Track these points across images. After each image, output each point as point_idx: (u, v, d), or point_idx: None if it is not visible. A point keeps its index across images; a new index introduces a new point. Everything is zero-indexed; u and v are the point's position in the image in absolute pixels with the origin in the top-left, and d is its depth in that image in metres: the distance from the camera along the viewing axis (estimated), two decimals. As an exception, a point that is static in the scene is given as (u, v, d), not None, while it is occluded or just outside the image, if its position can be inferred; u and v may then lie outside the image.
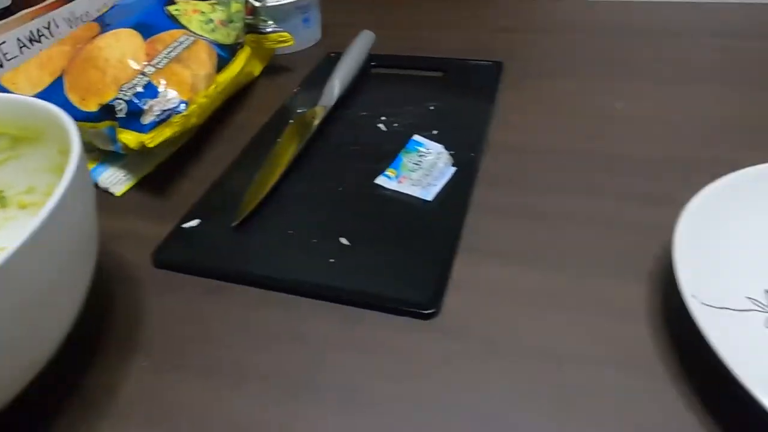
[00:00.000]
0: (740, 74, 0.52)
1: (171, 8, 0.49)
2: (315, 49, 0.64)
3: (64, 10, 0.54)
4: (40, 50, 0.51)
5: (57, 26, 0.53)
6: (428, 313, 0.31)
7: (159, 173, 0.45)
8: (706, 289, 0.28)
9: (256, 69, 0.57)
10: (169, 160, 0.47)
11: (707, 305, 0.27)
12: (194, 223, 0.39)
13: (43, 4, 0.53)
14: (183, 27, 0.48)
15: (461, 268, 0.34)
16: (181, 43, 0.46)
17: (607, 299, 0.32)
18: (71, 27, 0.54)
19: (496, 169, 0.42)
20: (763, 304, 0.29)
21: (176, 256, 0.37)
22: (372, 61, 0.58)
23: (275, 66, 0.61)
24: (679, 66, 0.54)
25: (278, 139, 0.46)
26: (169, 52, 0.44)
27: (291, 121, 0.49)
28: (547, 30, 0.64)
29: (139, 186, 0.44)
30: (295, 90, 0.55)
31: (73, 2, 0.55)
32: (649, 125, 0.46)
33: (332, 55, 0.60)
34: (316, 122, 0.47)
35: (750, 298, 0.29)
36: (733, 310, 0.28)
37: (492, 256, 0.35)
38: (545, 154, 0.44)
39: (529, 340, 0.30)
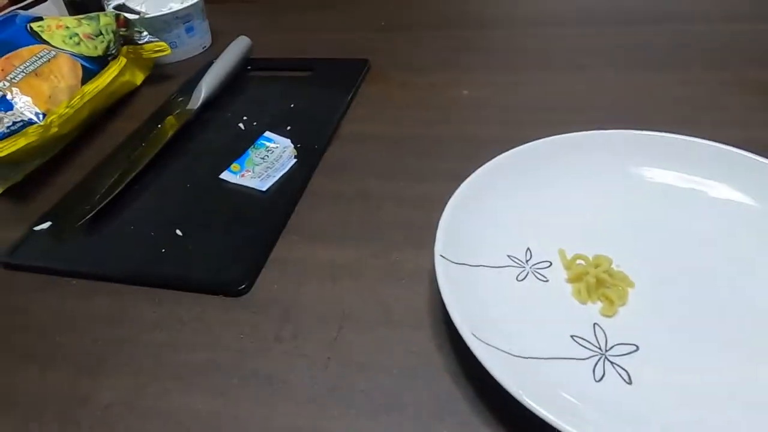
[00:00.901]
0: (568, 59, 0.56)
1: (34, 25, 0.51)
2: (203, 56, 0.67)
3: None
4: None
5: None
6: (239, 290, 0.34)
7: (26, 182, 0.48)
8: (463, 250, 0.31)
9: (137, 79, 0.60)
10: (38, 169, 0.49)
11: (460, 264, 0.30)
12: (45, 225, 0.41)
13: None
14: (44, 42, 0.50)
15: (280, 251, 0.37)
16: (40, 57, 0.48)
17: (395, 268, 0.35)
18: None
19: (337, 158, 0.46)
20: (519, 260, 0.32)
21: (22, 257, 0.39)
22: (248, 65, 0.61)
23: (161, 75, 0.63)
24: (539, 53, 0.58)
25: (142, 143, 0.49)
26: (27, 66, 0.47)
27: (159, 126, 0.51)
28: (421, 26, 0.67)
29: (4, 195, 0.47)
30: (171, 95, 0.57)
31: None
32: (484, 110, 0.49)
33: (213, 61, 0.63)
34: (178, 125, 0.50)
35: (510, 256, 0.33)
36: (490, 267, 0.32)
37: (310, 238, 0.38)
38: (387, 141, 0.47)
39: (319, 308, 0.33)
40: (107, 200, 0.42)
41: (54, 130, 0.46)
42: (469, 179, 0.35)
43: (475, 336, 0.26)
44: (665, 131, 0.38)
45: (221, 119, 0.52)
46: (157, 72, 0.63)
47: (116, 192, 0.43)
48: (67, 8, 0.66)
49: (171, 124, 0.50)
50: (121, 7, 0.61)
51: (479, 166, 0.36)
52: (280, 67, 0.61)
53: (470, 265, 0.31)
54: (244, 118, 0.52)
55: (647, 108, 0.47)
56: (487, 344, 0.26)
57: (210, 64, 0.57)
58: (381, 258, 0.36)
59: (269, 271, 0.36)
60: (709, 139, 0.37)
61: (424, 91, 0.53)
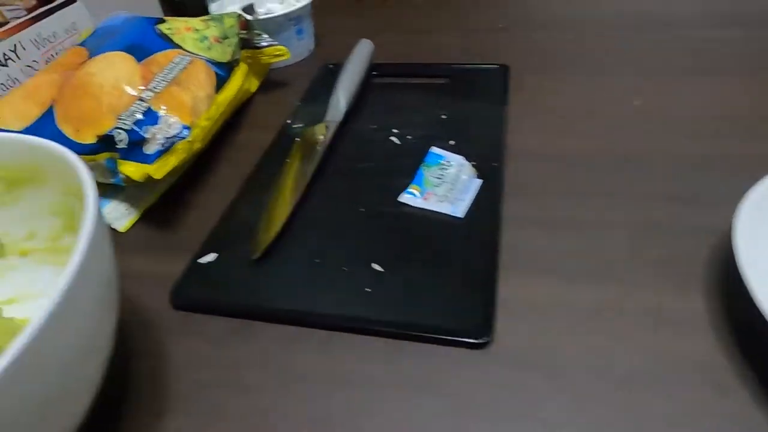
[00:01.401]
0: (757, 63, 0.51)
1: (162, 27, 0.46)
2: (310, 60, 0.62)
3: (30, 32, 0.50)
4: (8, 75, 0.47)
5: (24, 49, 0.49)
6: (481, 343, 0.29)
7: (163, 204, 0.42)
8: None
9: (253, 85, 0.55)
10: (171, 189, 0.44)
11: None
12: (211, 257, 0.36)
13: (7, 27, 0.49)
14: (177, 46, 0.45)
15: (507, 289, 0.32)
16: (177, 64, 0.43)
17: (666, 312, 0.30)
18: (39, 49, 0.51)
19: (521, 178, 0.41)
20: None
21: (196, 294, 0.34)
22: (373, 70, 0.56)
23: (271, 81, 0.58)
24: (698, 56, 0.53)
25: (286, 160, 0.44)
26: (166, 74, 0.42)
27: (297, 139, 0.46)
28: (548, 26, 0.62)
29: (143, 219, 0.41)
30: (296, 105, 0.52)
31: (39, 23, 0.51)
32: (668, 122, 0.45)
33: (330, 66, 0.58)
34: (326, 140, 0.44)
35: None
36: None
37: (536, 272, 0.33)
38: (566, 159, 0.42)
39: (589, 361, 0.28)
40: (280, 228, 0.37)
41: (197, 145, 0.41)
42: (747, 203, 0.30)
43: None
44: None
45: (367, 132, 0.47)
46: (268, 78, 0.58)
47: (286, 218, 0.38)
48: (162, 7, 0.61)
49: (314, 139, 0.45)
50: (247, 9, 0.56)
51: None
52: (410, 72, 0.55)
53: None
54: (394, 130, 0.47)
55: None
56: None
57: (335, 69, 0.52)
58: (636, 300, 0.31)
59: (504, 315, 0.31)
60: None
61: (582, 100, 0.49)
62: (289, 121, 0.50)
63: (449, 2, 0.71)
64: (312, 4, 0.61)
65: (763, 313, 0.25)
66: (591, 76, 0.52)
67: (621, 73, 0.52)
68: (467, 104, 0.49)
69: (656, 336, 0.29)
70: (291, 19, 0.58)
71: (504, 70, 0.54)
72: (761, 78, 0.49)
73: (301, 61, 0.62)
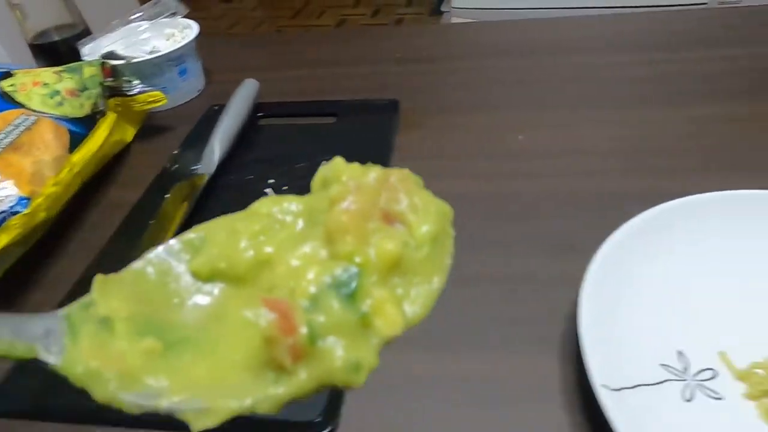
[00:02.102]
0: (654, 92, 0.50)
1: (4, 84, 0.42)
2: (198, 101, 0.58)
3: None
4: None
5: None
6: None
7: (7, 280, 0.38)
8: (617, 368, 0.25)
9: (128, 135, 0.51)
10: (21, 261, 0.40)
11: (619, 389, 0.24)
12: (45, 347, 0.32)
13: None
14: (20, 105, 0.41)
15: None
16: (17, 126, 0.39)
17: (520, 379, 0.28)
18: None
19: None
20: (677, 371, 0.26)
21: (20, 400, 0.30)
22: (258, 111, 0.53)
23: (153, 126, 0.54)
24: (584, 87, 0.52)
25: (150, 221, 0.40)
26: (1, 139, 0.38)
27: (167, 196, 0.43)
28: (443, 59, 0.61)
29: (-18, 301, 0.37)
30: (173, 154, 0.49)
31: None
32: (553, 157, 0.43)
33: (215, 107, 0.55)
34: (194, 197, 0.41)
35: (664, 365, 0.26)
36: (648, 385, 0.25)
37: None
38: (452, 201, 0.40)
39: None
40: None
41: (41, 215, 0.37)
42: (593, 267, 0.28)
43: None
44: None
45: (242, 184, 0.44)
46: (149, 124, 0.54)
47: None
48: (34, 56, 0.57)
49: (181, 196, 0.42)
50: (110, 55, 0.52)
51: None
52: (297, 112, 0.53)
53: (629, 388, 0.25)
54: (270, 181, 0.44)
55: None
56: None
57: (214, 113, 0.49)
58: (490, 367, 0.29)
59: (350, 396, 0.28)
60: None
61: (470, 137, 0.47)
62: (163, 173, 0.46)
63: (351, 35, 0.69)
64: (199, 41, 0.58)
65: (592, 383, 0.23)
66: (484, 111, 0.50)
67: (509, 105, 0.51)
68: (350, 146, 0.47)
69: (505, 406, 0.27)
70: (171, 59, 0.55)
71: (393, 105, 0.52)
72: (652, 107, 0.48)
73: (188, 102, 0.58)
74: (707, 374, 0.26)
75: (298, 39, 0.70)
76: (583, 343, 0.25)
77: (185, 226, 0.39)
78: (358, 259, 0.14)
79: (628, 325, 0.27)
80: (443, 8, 1.62)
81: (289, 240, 0.15)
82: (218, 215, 0.16)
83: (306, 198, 0.17)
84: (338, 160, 0.18)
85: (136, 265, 0.16)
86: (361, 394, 0.28)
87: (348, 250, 0.14)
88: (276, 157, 0.47)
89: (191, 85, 0.58)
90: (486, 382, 0.28)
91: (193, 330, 0.14)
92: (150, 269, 0.15)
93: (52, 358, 0.13)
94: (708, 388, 0.26)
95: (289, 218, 0.16)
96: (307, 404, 0.28)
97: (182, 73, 0.56)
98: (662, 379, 0.26)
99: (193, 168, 0.45)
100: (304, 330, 0.13)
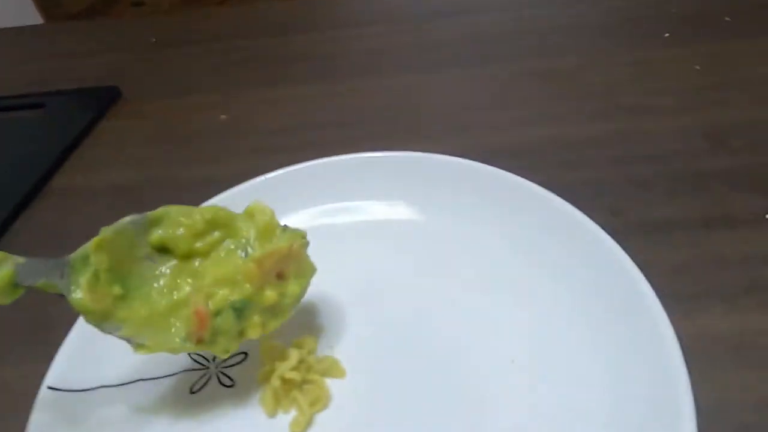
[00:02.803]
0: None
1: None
2: None
3: None
4: None
5: None
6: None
7: None
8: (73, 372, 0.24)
9: None
10: None
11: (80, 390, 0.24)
12: None
13: None
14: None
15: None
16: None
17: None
18: None
19: (38, 226, 0.37)
20: (203, 359, 0.26)
21: None
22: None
23: None
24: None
25: None
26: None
27: None
28: (164, 44, 0.60)
29: None
30: None
31: None
32: (243, 138, 0.44)
33: None
34: None
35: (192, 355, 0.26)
36: (145, 380, 0.25)
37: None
38: (115, 192, 0.39)
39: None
40: None
41: None
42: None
43: None
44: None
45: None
46: None
47: None
48: None
49: None
50: None
51: None
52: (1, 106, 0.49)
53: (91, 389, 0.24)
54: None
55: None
56: None
57: None
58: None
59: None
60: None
61: (176, 121, 0.47)
62: None
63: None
64: None
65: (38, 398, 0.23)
66: (204, 92, 0.51)
67: (208, 88, 0.51)
68: (55, 137, 0.45)
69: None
70: None
71: (111, 92, 0.50)
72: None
73: None
74: (238, 358, 0.26)
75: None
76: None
77: None
78: (250, 296, 0.22)
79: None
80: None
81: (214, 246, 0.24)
82: None
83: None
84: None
85: (115, 226, 0.21)
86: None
87: (249, 290, 0.22)
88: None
89: None
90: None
91: (144, 282, 0.22)
92: (123, 231, 0.21)
93: (67, 294, 0.20)
94: (227, 374, 0.25)
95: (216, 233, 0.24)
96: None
97: None
98: (168, 373, 0.25)
99: None
100: (208, 330, 0.22)
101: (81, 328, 0.26)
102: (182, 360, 0.26)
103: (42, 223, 0.38)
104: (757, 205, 0.31)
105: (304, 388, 0.24)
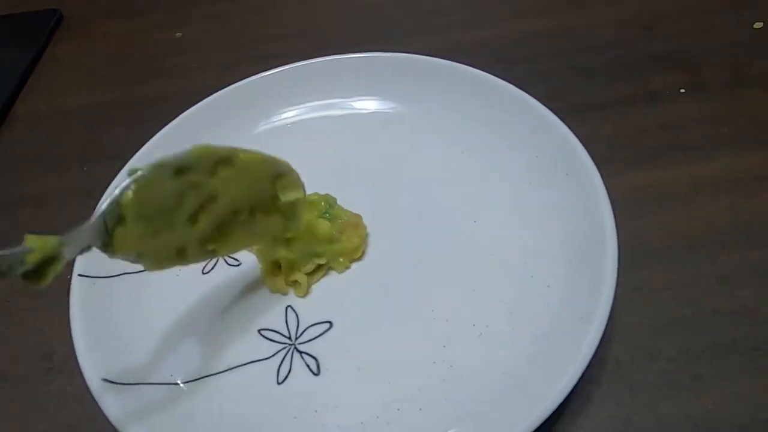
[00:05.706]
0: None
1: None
2: None
3: None
4: None
5: None
6: None
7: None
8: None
9: None
10: None
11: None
12: None
13: None
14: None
15: None
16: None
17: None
18: None
19: (8, 151, 0.38)
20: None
21: None
22: None
23: None
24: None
25: None
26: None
27: None
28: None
29: None
30: None
31: None
32: (203, 53, 0.44)
33: None
34: None
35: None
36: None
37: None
38: (79, 115, 0.40)
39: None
40: None
41: None
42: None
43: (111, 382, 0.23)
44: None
45: None
46: None
47: None
48: None
49: None
50: None
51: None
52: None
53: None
54: None
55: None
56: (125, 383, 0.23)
57: None
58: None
59: None
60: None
61: (129, 41, 0.46)
62: None
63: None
64: None
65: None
66: (156, 10, 0.50)
67: (159, 7, 0.50)
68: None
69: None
70: None
71: (52, 14, 0.49)
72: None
73: None
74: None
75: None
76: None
77: None
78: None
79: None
80: None
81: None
82: None
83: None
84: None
85: (142, 172, 0.20)
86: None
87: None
88: None
89: None
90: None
91: (170, 216, 0.21)
92: (148, 175, 0.21)
93: (99, 245, 0.20)
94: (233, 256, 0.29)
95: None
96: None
97: None
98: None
99: None
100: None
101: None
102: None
103: (13, 149, 0.38)
104: (675, 82, 0.36)
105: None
